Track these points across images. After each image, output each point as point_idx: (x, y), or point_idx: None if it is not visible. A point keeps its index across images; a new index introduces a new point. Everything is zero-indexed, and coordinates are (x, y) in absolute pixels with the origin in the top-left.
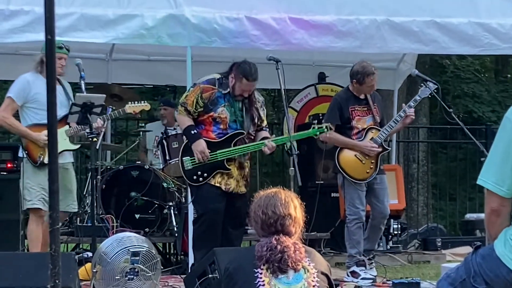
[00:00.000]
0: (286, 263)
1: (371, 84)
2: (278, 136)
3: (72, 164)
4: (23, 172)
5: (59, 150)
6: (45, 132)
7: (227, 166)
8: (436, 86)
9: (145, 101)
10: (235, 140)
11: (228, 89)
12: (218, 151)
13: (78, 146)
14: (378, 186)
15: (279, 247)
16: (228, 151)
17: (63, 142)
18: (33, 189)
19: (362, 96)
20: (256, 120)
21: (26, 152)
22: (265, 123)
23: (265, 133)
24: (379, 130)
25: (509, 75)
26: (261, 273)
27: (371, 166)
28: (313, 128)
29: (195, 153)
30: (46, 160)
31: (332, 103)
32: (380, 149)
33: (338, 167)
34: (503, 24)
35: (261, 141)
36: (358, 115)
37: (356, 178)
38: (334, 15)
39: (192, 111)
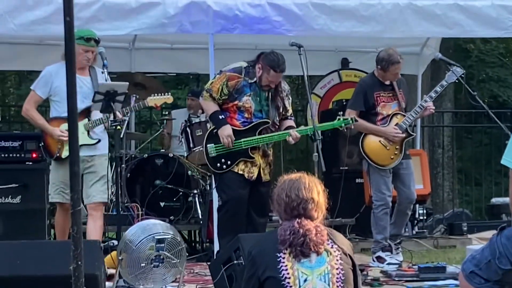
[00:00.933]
0: (308, 247)
1: (395, 72)
2: (302, 126)
3: (97, 157)
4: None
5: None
6: (62, 126)
7: (251, 155)
8: (463, 71)
9: (168, 93)
10: (260, 129)
11: (255, 79)
12: (242, 139)
13: (95, 141)
14: (404, 171)
15: (301, 230)
16: (252, 139)
17: (81, 136)
18: (53, 183)
19: (387, 82)
20: (281, 110)
21: (43, 145)
22: (290, 112)
23: (290, 122)
24: (404, 116)
25: None
26: (283, 258)
27: (396, 152)
28: (338, 119)
29: (221, 138)
30: (63, 155)
31: (357, 88)
32: (404, 135)
33: (363, 153)
34: None
35: (285, 131)
36: (383, 101)
37: (381, 164)
38: None
39: (217, 98)
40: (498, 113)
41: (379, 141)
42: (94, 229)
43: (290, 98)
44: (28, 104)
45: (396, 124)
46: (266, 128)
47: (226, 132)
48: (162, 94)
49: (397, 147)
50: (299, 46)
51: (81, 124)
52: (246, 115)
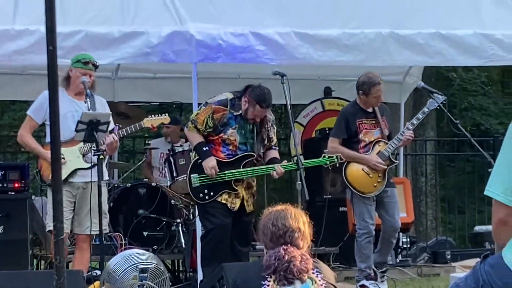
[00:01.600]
0: (292, 273)
1: (377, 94)
2: (285, 161)
3: (93, 184)
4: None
5: (72, 169)
6: (63, 151)
7: (234, 187)
8: (444, 98)
9: (166, 114)
10: (245, 162)
11: (240, 111)
12: (226, 172)
13: (89, 165)
14: (387, 200)
15: (286, 256)
16: (236, 172)
17: (76, 160)
18: (50, 210)
19: (369, 109)
20: (266, 142)
21: (38, 170)
22: (274, 141)
23: (274, 153)
24: (387, 143)
25: None
26: (268, 285)
27: (379, 180)
28: (324, 156)
29: (206, 169)
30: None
31: (339, 116)
32: (387, 163)
33: (346, 181)
34: (508, 35)
35: (270, 166)
36: (366, 128)
37: (364, 192)
38: (339, 29)
39: (201, 129)
40: (480, 141)
41: (362, 169)
42: (82, 262)
43: (275, 128)
44: (23, 130)
45: (379, 152)
46: (250, 161)
47: (210, 163)
48: (159, 115)
49: (380, 175)
50: (282, 75)
51: (77, 148)
52: (231, 147)
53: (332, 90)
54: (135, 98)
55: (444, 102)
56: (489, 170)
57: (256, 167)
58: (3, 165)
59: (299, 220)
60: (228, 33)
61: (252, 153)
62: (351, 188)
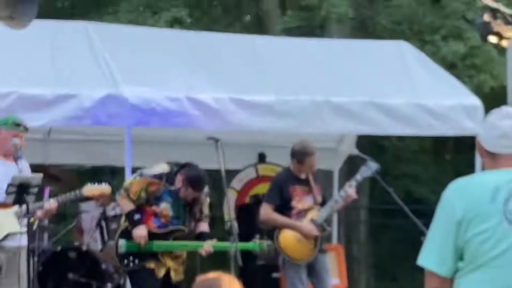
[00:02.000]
0: None
1: (311, 164)
2: (215, 240)
3: (23, 250)
4: None
5: (6, 232)
6: None
7: (160, 258)
8: (377, 166)
9: (106, 183)
10: (175, 236)
11: (174, 187)
12: (154, 242)
13: (24, 229)
14: (318, 267)
15: None
16: (165, 244)
17: (11, 223)
18: None
19: (303, 176)
20: (198, 216)
21: None
22: (205, 213)
23: (203, 226)
24: (319, 211)
25: (447, 156)
26: None
27: (311, 247)
28: (254, 242)
29: (135, 238)
30: None
31: (272, 182)
32: (319, 231)
33: (278, 248)
34: (441, 105)
35: (199, 242)
36: (298, 195)
37: (296, 259)
38: (274, 95)
39: (134, 199)
40: (413, 209)
41: (295, 236)
42: None
43: (208, 199)
44: None
45: (312, 219)
46: (181, 235)
47: (140, 232)
48: (99, 183)
49: (312, 242)
50: (216, 140)
51: (12, 211)
52: (162, 220)
53: (266, 155)
54: (67, 161)
55: (378, 171)
56: (422, 238)
57: (186, 242)
58: None
59: None
60: (163, 96)
61: (184, 228)
62: (284, 255)
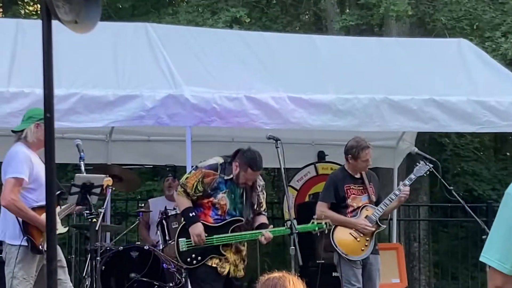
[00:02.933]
0: None
1: (366, 158)
2: (271, 226)
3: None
4: (17, 259)
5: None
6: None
7: (222, 252)
8: (432, 166)
9: (107, 176)
10: (233, 226)
11: (231, 175)
12: (214, 236)
13: (66, 229)
14: (370, 266)
15: None
16: (224, 237)
17: (58, 225)
18: (25, 279)
19: (357, 175)
20: (255, 207)
21: (29, 238)
22: (263, 207)
23: (263, 219)
24: (374, 208)
25: (508, 153)
26: None
27: (366, 244)
28: (312, 222)
29: (192, 236)
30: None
31: (327, 181)
32: (374, 228)
33: (333, 244)
34: (501, 102)
35: (258, 231)
36: (353, 194)
37: (350, 256)
38: (333, 94)
39: (191, 194)
40: (473, 207)
41: (350, 233)
42: None
43: (265, 193)
44: (13, 194)
45: (366, 217)
46: (239, 226)
47: (197, 230)
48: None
49: (367, 239)
50: (276, 140)
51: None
52: (220, 212)
53: (325, 154)
54: (128, 161)
55: (432, 169)
56: (483, 236)
57: (244, 232)
58: None
59: (299, 287)
60: (222, 96)
61: (241, 218)
62: (339, 251)
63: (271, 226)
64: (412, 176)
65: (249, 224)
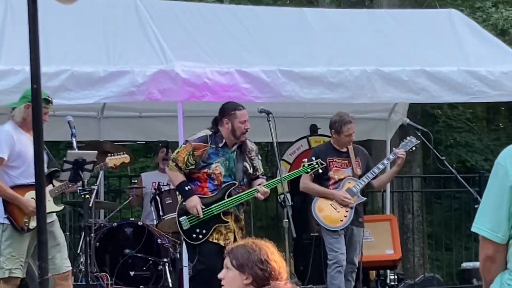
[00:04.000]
0: None
1: (348, 133)
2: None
3: (55, 223)
4: (2, 237)
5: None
6: (28, 195)
7: (225, 219)
8: (419, 142)
9: (123, 152)
10: (228, 191)
11: (224, 140)
12: (213, 206)
13: (62, 207)
14: (353, 238)
15: None
16: (222, 203)
17: (48, 204)
18: (14, 256)
19: (344, 149)
20: (249, 170)
21: (9, 217)
22: (261, 171)
23: (262, 181)
24: (356, 181)
25: (500, 124)
26: None
27: (345, 215)
28: (303, 165)
29: (189, 209)
30: (31, 226)
31: (311, 154)
32: (353, 200)
33: (314, 215)
34: (492, 72)
35: (253, 188)
36: (336, 167)
37: (329, 225)
38: (324, 66)
39: (183, 167)
40: (466, 177)
41: (330, 204)
42: None
43: (260, 158)
44: None
45: (348, 189)
46: (234, 190)
47: (193, 203)
48: (119, 154)
49: (346, 210)
50: (268, 113)
51: (46, 191)
52: (216, 182)
53: (318, 127)
54: (121, 137)
55: (417, 146)
56: (476, 206)
57: (241, 194)
58: None
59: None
60: (213, 71)
61: (234, 182)
62: (318, 221)
63: (264, 179)
64: (396, 150)
65: (244, 189)
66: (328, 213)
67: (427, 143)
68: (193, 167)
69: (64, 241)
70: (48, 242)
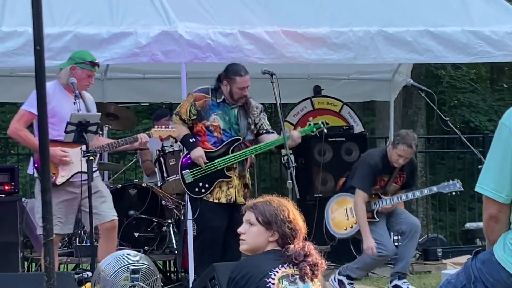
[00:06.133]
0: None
1: (399, 153)
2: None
3: (97, 179)
4: (36, 192)
5: (73, 172)
6: (64, 147)
7: (228, 174)
8: (462, 189)
9: (173, 127)
10: (232, 147)
11: (223, 97)
12: (216, 160)
13: (95, 168)
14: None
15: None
16: (226, 158)
17: (79, 163)
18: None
19: (395, 164)
20: (253, 127)
21: (36, 167)
22: (269, 126)
23: (273, 136)
24: (380, 198)
25: (504, 84)
26: (273, 283)
27: (352, 226)
28: (309, 125)
29: (194, 160)
30: (58, 181)
31: (366, 168)
32: (368, 216)
33: (326, 211)
34: (496, 32)
35: (257, 145)
36: (379, 183)
37: (333, 229)
38: (328, 27)
39: (186, 119)
40: (470, 138)
41: (345, 208)
42: (107, 252)
43: (265, 116)
44: (18, 124)
45: (368, 202)
46: (238, 146)
47: (197, 153)
48: (166, 127)
49: (355, 222)
50: (271, 74)
51: (79, 150)
52: (215, 134)
53: (321, 88)
54: (124, 99)
55: (459, 192)
56: (480, 167)
57: (245, 150)
58: None
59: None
60: (216, 32)
61: (238, 137)
62: (326, 220)
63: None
64: (434, 188)
65: (249, 145)
66: (338, 216)
67: (431, 103)
68: (195, 117)
69: (109, 193)
70: (93, 194)
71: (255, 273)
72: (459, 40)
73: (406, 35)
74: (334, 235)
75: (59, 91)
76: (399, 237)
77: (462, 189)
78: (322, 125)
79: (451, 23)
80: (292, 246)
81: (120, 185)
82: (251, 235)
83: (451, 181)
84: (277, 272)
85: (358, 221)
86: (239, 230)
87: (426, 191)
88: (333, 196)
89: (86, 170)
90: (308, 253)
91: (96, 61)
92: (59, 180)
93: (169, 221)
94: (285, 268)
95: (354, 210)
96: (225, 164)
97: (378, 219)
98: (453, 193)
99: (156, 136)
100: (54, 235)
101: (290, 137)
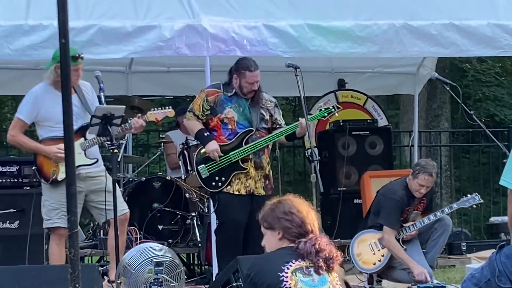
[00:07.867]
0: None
1: (421, 183)
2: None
3: (103, 173)
4: (42, 189)
5: (76, 164)
6: (58, 145)
7: (243, 166)
8: (481, 201)
9: (169, 106)
10: (246, 138)
11: (234, 90)
12: (231, 153)
13: (93, 161)
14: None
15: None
16: (240, 150)
17: (78, 157)
18: (52, 206)
19: (416, 194)
20: (267, 118)
21: (37, 169)
22: (282, 121)
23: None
24: (402, 227)
25: None
26: (286, 277)
27: (379, 259)
28: (320, 110)
29: (209, 153)
30: (59, 177)
31: (394, 204)
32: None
33: (351, 248)
34: None
35: (270, 135)
36: (404, 214)
37: (361, 266)
38: (352, 20)
39: (200, 115)
40: (495, 132)
41: (369, 244)
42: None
43: (280, 110)
44: (13, 131)
45: None
46: (251, 137)
47: (212, 147)
48: (163, 108)
49: (382, 254)
50: (295, 67)
51: (78, 144)
52: (230, 127)
53: (345, 82)
54: (148, 92)
55: (479, 204)
56: (504, 160)
57: (258, 140)
58: (18, 160)
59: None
60: (241, 26)
61: (251, 129)
62: (352, 257)
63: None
64: (455, 205)
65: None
66: (364, 253)
67: (456, 97)
68: (209, 112)
69: (117, 186)
70: (93, 193)
71: (268, 269)
72: (484, 33)
73: (430, 28)
74: (365, 272)
75: (47, 92)
76: (432, 233)
77: (482, 201)
78: (333, 110)
79: (476, 17)
80: (302, 242)
81: (144, 178)
82: (267, 242)
83: (469, 196)
84: (291, 265)
85: (398, 256)
86: (262, 243)
87: (447, 210)
88: (354, 236)
89: (87, 163)
90: (320, 249)
91: (77, 55)
92: (61, 176)
93: (193, 214)
94: (299, 262)
95: (388, 248)
96: (240, 156)
97: (405, 247)
98: (476, 194)
99: (152, 119)
100: (76, 228)
101: (299, 124)
